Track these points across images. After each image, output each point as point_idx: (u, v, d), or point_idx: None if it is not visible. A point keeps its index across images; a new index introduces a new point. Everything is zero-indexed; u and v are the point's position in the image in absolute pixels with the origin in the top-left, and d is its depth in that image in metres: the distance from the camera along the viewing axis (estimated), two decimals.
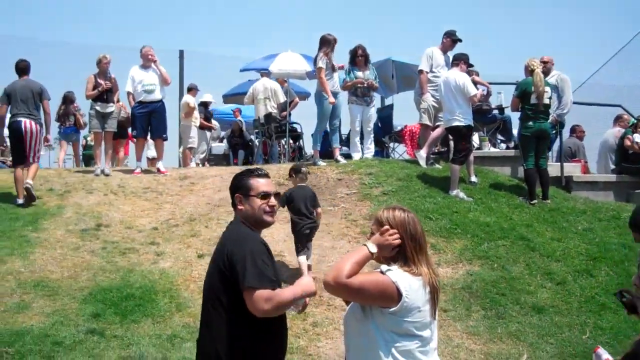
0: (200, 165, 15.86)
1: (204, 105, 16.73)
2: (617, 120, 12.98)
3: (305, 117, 14.88)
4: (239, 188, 3.75)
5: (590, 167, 13.48)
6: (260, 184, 3.75)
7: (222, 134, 18.66)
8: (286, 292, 3.49)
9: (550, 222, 9.91)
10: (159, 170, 11.91)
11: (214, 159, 17.30)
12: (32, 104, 10.20)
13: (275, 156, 14.44)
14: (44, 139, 10.74)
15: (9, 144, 15.66)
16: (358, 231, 9.28)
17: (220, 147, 17.80)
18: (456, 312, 7.61)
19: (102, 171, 11.54)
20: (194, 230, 9.29)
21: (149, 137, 12.57)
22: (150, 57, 11.82)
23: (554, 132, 11.22)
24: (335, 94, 11.65)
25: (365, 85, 11.75)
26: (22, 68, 10.46)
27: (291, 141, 14.65)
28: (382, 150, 14.60)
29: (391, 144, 15.27)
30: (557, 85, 11.22)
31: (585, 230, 9.79)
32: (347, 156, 12.45)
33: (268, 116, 13.74)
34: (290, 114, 14.40)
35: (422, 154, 11.37)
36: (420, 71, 11.62)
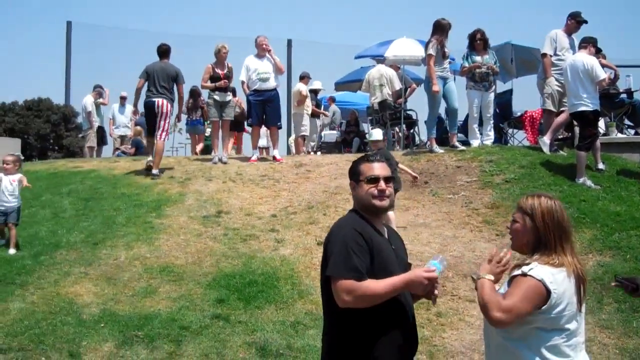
0: (312, 153, 15.90)
1: (314, 92, 16.76)
2: None
3: (419, 104, 14.61)
4: (352, 174, 3.59)
5: None
6: (370, 168, 3.52)
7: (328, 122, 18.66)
8: (380, 284, 3.21)
9: None
10: (274, 158, 12.01)
11: (325, 147, 17.31)
12: (166, 85, 10.99)
13: (390, 143, 14.25)
14: (176, 117, 11.99)
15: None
16: (480, 220, 9.00)
17: (332, 135, 17.79)
18: (587, 304, 7.15)
19: (220, 159, 11.73)
20: (312, 218, 9.28)
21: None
22: (264, 46, 11.93)
23: None
24: (445, 80, 11.42)
25: (484, 69, 11.41)
26: (163, 51, 11.45)
27: (405, 128, 14.42)
28: (500, 137, 14.16)
29: (510, 130, 14.77)
30: None
31: None
32: (464, 143, 12.14)
33: (383, 103, 13.56)
34: (406, 101, 14.21)
35: (546, 140, 10.92)
36: (544, 54, 11.12)
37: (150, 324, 6.64)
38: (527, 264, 3.21)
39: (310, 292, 7.42)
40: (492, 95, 11.73)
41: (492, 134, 12.03)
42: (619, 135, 12.22)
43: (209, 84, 11.66)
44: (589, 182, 9.79)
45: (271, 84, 11.90)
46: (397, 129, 14.37)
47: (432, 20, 11.53)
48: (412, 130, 14.92)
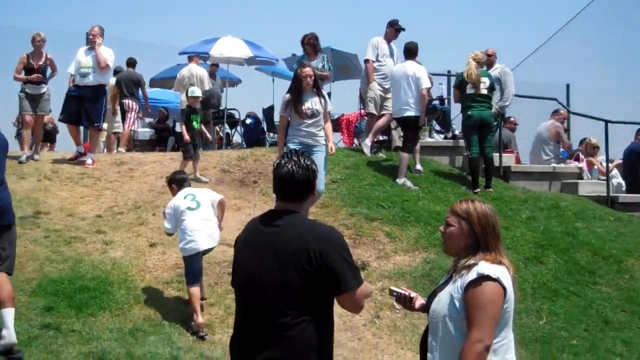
0: (124, 150, 15.27)
1: None
2: (554, 114, 13.28)
3: (242, 103, 14.65)
4: (314, 177, 3.44)
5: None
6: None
7: (149, 119, 18.12)
8: None
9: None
10: (85, 164, 10.76)
11: (139, 145, 16.72)
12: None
13: (212, 143, 14.05)
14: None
15: None
16: (312, 219, 9.11)
17: (145, 133, 17.24)
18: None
19: (31, 157, 10.78)
20: (142, 218, 8.89)
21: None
22: (91, 37, 10.83)
23: (495, 122, 11.36)
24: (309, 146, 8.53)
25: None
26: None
27: (228, 127, 14.35)
28: None
29: None
30: (500, 77, 11.39)
31: (529, 218, 9.97)
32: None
33: (205, 102, 13.35)
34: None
35: (367, 142, 11.33)
36: (367, 60, 11.53)
37: None
38: (474, 264, 3.29)
39: (146, 296, 7.12)
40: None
41: None
42: (429, 139, 12.95)
43: (22, 75, 10.65)
44: (408, 183, 10.30)
45: (89, 80, 10.71)
46: (217, 128, 14.21)
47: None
48: (234, 130, 14.84)
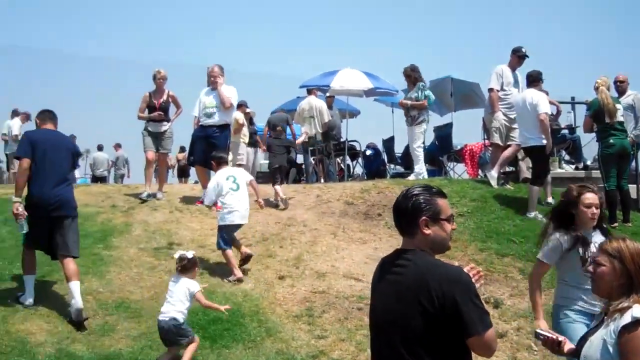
0: None
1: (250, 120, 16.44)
2: None
3: (360, 135, 14.66)
4: (426, 209, 3.23)
5: None
6: (447, 205, 3.32)
7: None
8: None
9: None
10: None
11: (262, 177, 16.98)
12: None
13: (334, 175, 14.11)
14: None
15: None
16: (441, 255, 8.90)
17: (267, 165, 17.51)
18: None
19: (154, 195, 10.85)
20: (269, 251, 8.96)
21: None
22: (212, 78, 10.78)
23: (631, 152, 10.80)
24: None
25: (408, 105, 11.62)
26: None
27: (349, 159, 14.39)
28: (440, 170, 14.24)
29: (450, 164, 14.91)
30: (634, 104, 10.82)
31: None
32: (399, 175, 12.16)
33: (326, 134, 13.45)
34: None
35: (494, 173, 11.02)
36: (491, 89, 11.27)
37: None
38: (628, 307, 3.12)
39: (278, 329, 7.11)
40: (416, 129, 11.64)
41: (419, 169, 11.95)
42: (559, 170, 12.47)
43: (145, 114, 10.86)
44: (540, 216, 9.88)
45: (216, 119, 10.71)
46: (339, 159, 14.25)
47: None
48: (355, 161, 14.85)
